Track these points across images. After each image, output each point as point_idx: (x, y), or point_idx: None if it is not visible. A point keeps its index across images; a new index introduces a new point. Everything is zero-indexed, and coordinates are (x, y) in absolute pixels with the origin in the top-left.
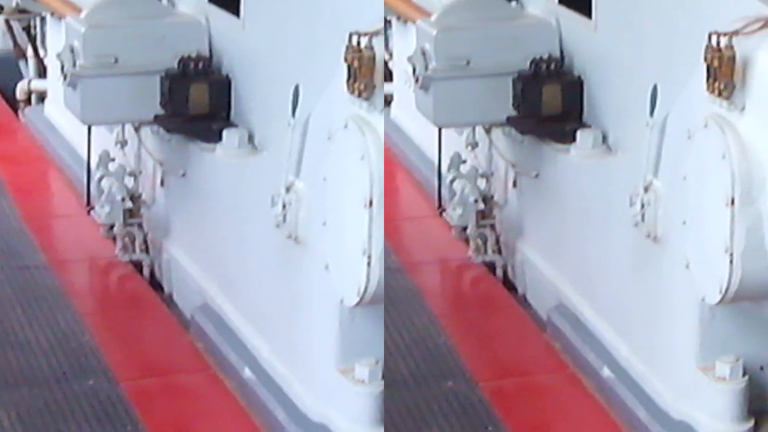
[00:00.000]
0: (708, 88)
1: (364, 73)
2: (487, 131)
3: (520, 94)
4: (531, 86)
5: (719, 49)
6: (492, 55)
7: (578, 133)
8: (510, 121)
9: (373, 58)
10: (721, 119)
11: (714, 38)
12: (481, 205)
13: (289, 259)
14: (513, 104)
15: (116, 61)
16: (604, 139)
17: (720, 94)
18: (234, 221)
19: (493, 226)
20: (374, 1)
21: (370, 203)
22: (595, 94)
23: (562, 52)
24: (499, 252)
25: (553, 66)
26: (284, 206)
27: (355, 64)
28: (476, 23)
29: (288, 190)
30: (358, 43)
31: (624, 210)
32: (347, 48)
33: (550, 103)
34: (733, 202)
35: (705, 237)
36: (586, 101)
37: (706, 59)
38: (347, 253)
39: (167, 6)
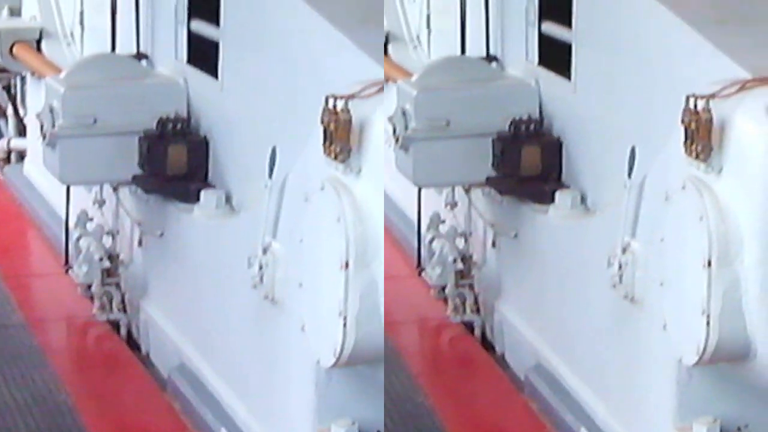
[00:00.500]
0: (685, 151)
1: (341, 135)
2: (467, 191)
3: (500, 154)
4: (510, 147)
5: (697, 112)
6: (472, 115)
7: (557, 194)
8: (489, 181)
9: (350, 121)
10: (699, 181)
11: (691, 101)
12: (460, 265)
13: (266, 319)
14: (492, 165)
15: (95, 121)
16: (583, 199)
17: (697, 157)
18: (211, 282)
19: (471, 286)
20: (352, 64)
21: (346, 265)
22: (574, 155)
23: (541, 113)
24: (478, 312)
25: (532, 127)
26: (261, 267)
27: (332, 126)
28: (456, 84)
29: (265, 251)
30: (335, 106)
31: (602, 271)
32: (324, 111)
33: (529, 164)
34: (710, 263)
35: (682, 298)
36: (565, 162)
37: (683, 122)
38: (323, 315)
39: (146, 67)
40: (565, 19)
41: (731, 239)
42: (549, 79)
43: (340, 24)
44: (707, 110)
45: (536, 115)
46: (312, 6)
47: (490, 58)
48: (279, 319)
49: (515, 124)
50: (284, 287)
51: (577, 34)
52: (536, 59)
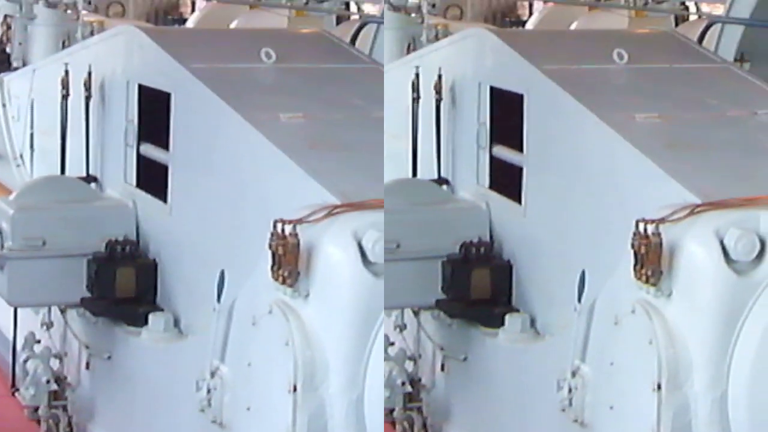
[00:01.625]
0: (635, 275)
1: (289, 259)
2: (416, 314)
3: (450, 277)
4: (460, 270)
5: (646, 236)
6: (422, 238)
7: (507, 317)
8: (439, 304)
9: (297, 245)
10: (648, 305)
11: (641, 225)
12: (409, 388)
13: None
14: (442, 288)
15: (44, 243)
16: (533, 323)
17: (647, 281)
18: (159, 405)
19: (420, 410)
20: (300, 189)
21: (294, 388)
22: (524, 278)
23: (492, 236)
24: None
25: (482, 250)
26: (209, 391)
27: (280, 251)
28: (408, 206)
29: (213, 374)
30: (283, 231)
31: (552, 394)
32: (272, 235)
33: (479, 287)
34: (659, 387)
35: (632, 422)
36: (515, 285)
37: (633, 246)
38: None
39: (95, 190)
40: (516, 144)
41: (681, 363)
42: (500, 202)
43: (287, 148)
44: (657, 234)
45: (487, 238)
46: (260, 130)
47: (441, 180)
48: None
49: (465, 247)
50: (232, 411)
51: (528, 158)
52: (487, 182)
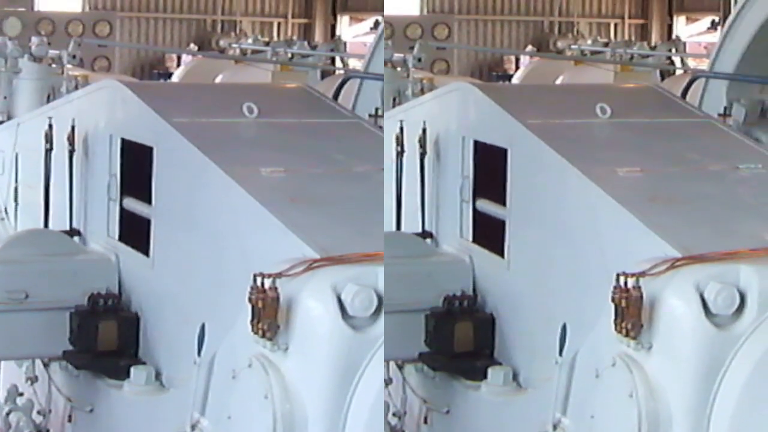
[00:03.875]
0: (615, 328)
1: (268, 313)
2: (400, 368)
3: (433, 330)
4: (443, 323)
5: (627, 290)
6: (404, 291)
7: (489, 371)
8: (422, 357)
9: (277, 299)
10: (629, 358)
11: (622, 279)
12: None
13: None
14: (425, 341)
15: (27, 296)
16: (515, 376)
17: (627, 334)
18: None
19: None
20: (279, 243)
21: None
22: (507, 331)
23: (475, 289)
24: None
25: (466, 303)
26: None
27: (260, 304)
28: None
29: (193, 428)
30: (263, 284)
31: None
32: (252, 289)
33: (462, 340)
34: None
35: None
36: (498, 338)
37: (613, 299)
38: None
39: (78, 243)
40: (500, 197)
41: (661, 416)
42: (483, 255)
43: (268, 202)
44: (637, 288)
45: (470, 291)
46: (241, 184)
47: (425, 234)
48: None
49: (449, 300)
50: None
51: (511, 212)
52: (471, 236)
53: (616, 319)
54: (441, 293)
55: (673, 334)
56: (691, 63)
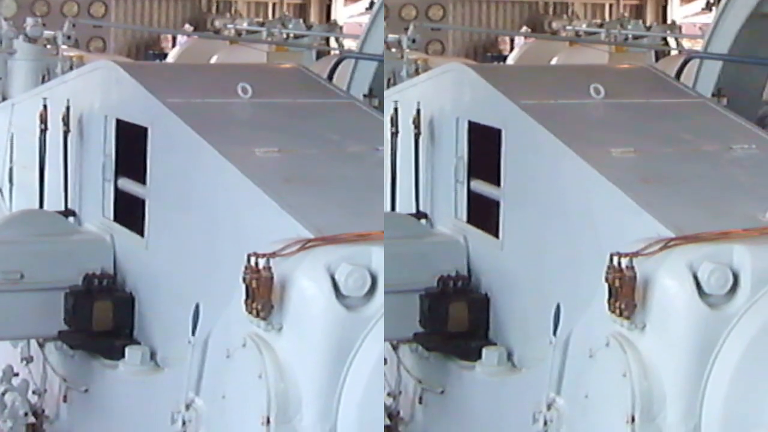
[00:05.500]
0: (609, 308)
1: (262, 293)
2: (395, 348)
3: (427, 310)
4: (438, 303)
5: (620, 270)
6: (399, 271)
7: (484, 351)
8: (416, 337)
9: (271, 278)
10: (622, 338)
11: (615, 259)
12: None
13: None
14: (420, 321)
15: (22, 277)
16: (509, 356)
17: (621, 314)
18: None
19: None
20: (273, 223)
21: (268, 420)
22: (501, 311)
23: (469, 270)
24: None
25: (460, 284)
26: (184, 423)
27: (254, 284)
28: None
29: (188, 407)
30: (257, 264)
31: (527, 427)
32: (246, 268)
33: (456, 321)
34: (633, 419)
35: None
36: (492, 319)
37: (607, 279)
38: None
39: (73, 224)
40: (494, 178)
41: (654, 395)
42: (477, 236)
43: (262, 182)
44: (631, 268)
45: (464, 271)
46: (235, 165)
47: (419, 214)
48: None
49: (443, 280)
50: None
51: (505, 193)
52: (465, 217)
53: (609, 299)
54: (435, 273)
55: (666, 314)
56: (687, 44)
